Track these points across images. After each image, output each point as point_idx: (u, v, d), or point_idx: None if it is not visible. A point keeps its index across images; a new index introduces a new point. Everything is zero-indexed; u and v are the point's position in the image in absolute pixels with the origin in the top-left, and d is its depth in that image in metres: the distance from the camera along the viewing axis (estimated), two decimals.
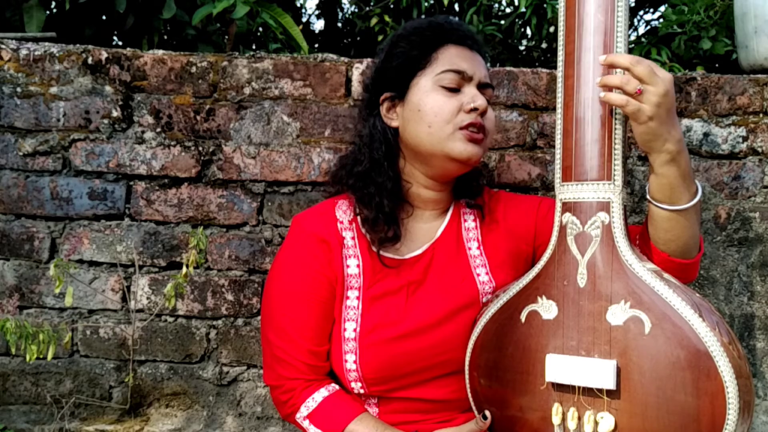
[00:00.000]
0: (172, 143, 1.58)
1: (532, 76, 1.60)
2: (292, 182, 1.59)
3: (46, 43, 1.61)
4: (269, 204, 1.59)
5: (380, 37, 2.84)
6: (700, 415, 0.86)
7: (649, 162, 0.98)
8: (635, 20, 3.36)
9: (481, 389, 1.05)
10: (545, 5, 2.54)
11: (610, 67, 0.95)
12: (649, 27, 3.40)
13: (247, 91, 1.59)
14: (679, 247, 1.02)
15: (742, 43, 1.75)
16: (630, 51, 1.60)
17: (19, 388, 1.57)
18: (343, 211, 1.16)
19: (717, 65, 2.45)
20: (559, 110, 1.02)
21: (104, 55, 1.59)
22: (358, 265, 1.12)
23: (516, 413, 1.01)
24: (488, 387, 1.04)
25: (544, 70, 1.61)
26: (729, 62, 2.33)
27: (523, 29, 2.80)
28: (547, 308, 0.99)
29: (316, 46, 3.60)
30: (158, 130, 1.59)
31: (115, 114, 1.58)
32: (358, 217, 1.14)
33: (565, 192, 1.00)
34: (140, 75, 1.59)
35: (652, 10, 3.33)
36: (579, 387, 0.94)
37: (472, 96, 1.07)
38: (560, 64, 1.02)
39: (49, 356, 1.33)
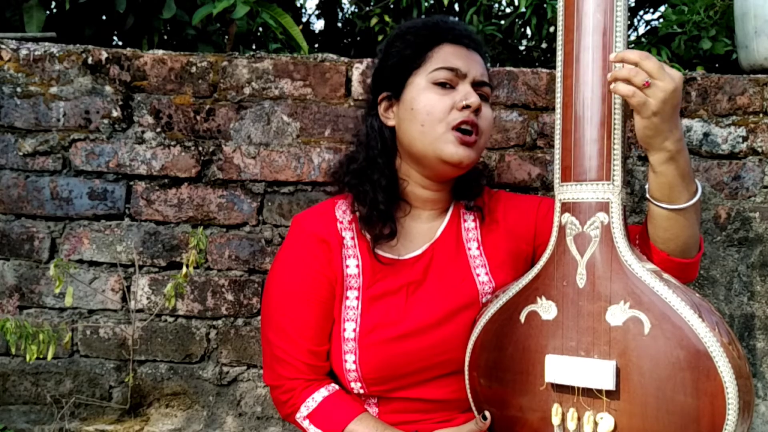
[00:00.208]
0: (172, 143, 1.58)
1: (532, 76, 1.60)
2: (292, 182, 1.59)
3: (46, 43, 1.61)
4: (269, 204, 1.59)
5: (380, 37, 2.84)
6: (699, 416, 0.86)
7: (649, 160, 0.98)
8: (635, 20, 3.35)
9: (481, 389, 1.05)
10: (545, 5, 2.54)
11: (620, 63, 0.95)
12: (649, 27, 3.40)
13: (247, 91, 1.59)
14: (679, 246, 1.02)
15: (742, 43, 1.75)
16: None
17: (19, 388, 1.57)
18: (343, 211, 1.16)
19: (717, 65, 2.44)
20: (558, 110, 1.02)
21: (104, 55, 1.59)
22: (357, 265, 1.12)
23: (516, 413, 1.01)
24: (488, 387, 1.04)
25: (544, 70, 1.61)
26: (729, 62, 2.33)
27: (523, 29, 2.80)
28: (546, 309, 0.99)
29: (316, 46, 3.60)
30: (158, 130, 1.59)
31: (115, 114, 1.58)
32: (356, 215, 1.14)
33: (565, 192, 1.00)
34: (140, 75, 1.59)
35: (652, 10, 3.33)
36: (578, 387, 0.94)
37: (465, 93, 1.07)
38: (559, 63, 1.02)
39: (49, 356, 1.33)
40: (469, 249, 1.15)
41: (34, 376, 1.58)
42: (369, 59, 1.59)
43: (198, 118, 1.59)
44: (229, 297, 1.58)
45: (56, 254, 1.58)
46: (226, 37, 2.33)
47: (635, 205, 1.58)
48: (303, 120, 1.59)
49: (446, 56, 1.09)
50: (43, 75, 1.58)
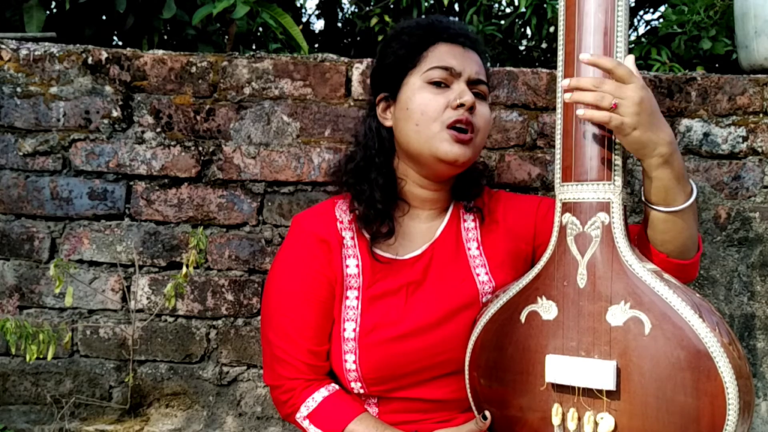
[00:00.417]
0: (172, 143, 1.58)
1: (532, 76, 1.60)
2: (292, 182, 1.59)
3: (46, 43, 1.61)
4: (269, 204, 1.59)
5: (380, 37, 2.84)
6: (700, 416, 0.86)
7: (642, 166, 0.98)
8: (635, 20, 3.36)
9: (481, 389, 1.05)
10: (545, 5, 2.54)
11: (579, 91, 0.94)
12: (649, 27, 3.40)
13: (247, 91, 1.59)
14: (677, 247, 1.02)
15: (742, 44, 1.75)
16: (630, 51, 1.60)
17: (19, 388, 1.57)
18: (343, 211, 1.16)
19: (717, 65, 2.45)
20: (559, 110, 1.02)
21: (104, 55, 1.59)
22: (357, 265, 1.12)
23: (516, 413, 1.01)
24: (488, 387, 1.04)
25: (544, 70, 1.61)
26: (729, 62, 2.33)
27: (523, 29, 2.80)
28: (546, 309, 0.99)
29: (316, 46, 3.60)
30: (158, 130, 1.59)
31: (115, 114, 1.58)
32: (356, 214, 1.14)
33: (565, 192, 1.00)
34: (140, 75, 1.59)
35: (652, 10, 3.33)
36: (579, 388, 0.94)
37: (459, 92, 1.07)
38: (560, 63, 1.01)
39: (49, 356, 1.33)
40: (469, 249, 1.15)
41: (34, 376, 1.57)
42: (369, 59, 1.59)
43: (198, 118, 1.59)
44: (229, 297, 1.58)
45: (56, 254, 1.58)
46: (226, 37, 2.33)
47: (635, 205, 1.58)
48: (303, 120, 1.59)
49: (441, 55, 1.09)
50: (43, 75, 1.58)
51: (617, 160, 0.97)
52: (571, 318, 0.96)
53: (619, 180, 0.97)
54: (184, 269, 1.41)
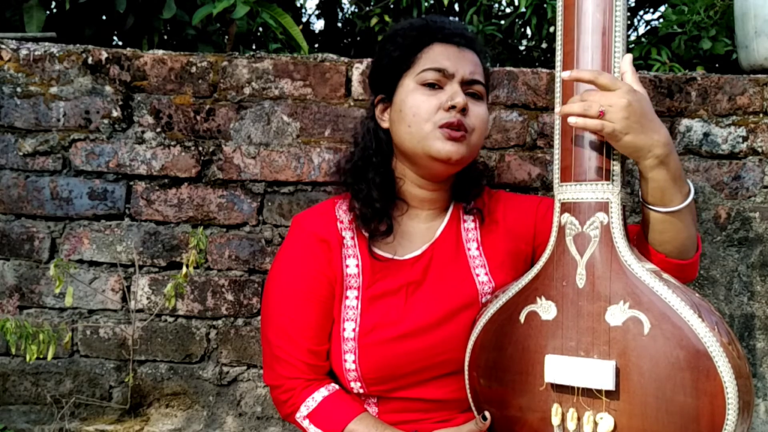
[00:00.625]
0: (172, 143, 1.59)
1: (532, 76, 1.60)
2: (292, 182, 1.59)
3: (46, 43, 1.61)
4: (269, 204, 1.59)
5: (380, 37, 2.84)
6: (699, 416, 0.86)
7: (638, 167, 0.98)
8: (635, 20, 3.36)
9: (481, 389, 1.05)
10: (545, 5, 2.54)
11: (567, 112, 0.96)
12: (649, 27, 3.40)
13: (247, 91, 1.59)
14: (676, 247, 1.02)
15: (742, 44, 1.75)
16: (630, 51, 1.60)
17: (19, 388, 1.58)
18: (343, 211, 1.16)
19: (717, 65, 2.44)
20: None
21: (104, 55, 1.59)
22: (357, 265, 1.12)
23: (515, 414, 1.01)
24: (488, 387, 1.04)
25: (544, 70, 1.61)
26: (729, 62, 2.33)
27: (523, 29, 2.80)
28: (546, 309, 0.99)
29: (316, 46, 3.60)
30: (158, 130, 1.59)
31: (115, 114, 1.58)
32: (354, 214, 1.14)
33: (564, 192, 1.00)
34: (140, 75, 1.59)
35: (652, 10, 3.33)
36: (578, 388, 0.94)
37: (451, 94, 1.06)
38: (559, 63, 1.01)
39: (49, 356, 1.33)
40: (469, 249, 1.15)
41: (34, 376, 1.58)
42: (369, 59, 1.59)
43: (198, 118, 1.59)
44: (229, 297, 1.58)
45: (56, 254, 1.58)
46: (226, 37, 2.33)
47: (635, 205, 1.58)
48: (303, 120, 1.59)
49: (434, 56, 1.09)
50: (43, 75, 1.58)
51: (616, 161, 0.97)
52: (570, 318, 0.96)
53: (617, 180, 0.97)
54: (184, 269, 1.41)
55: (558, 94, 1.02)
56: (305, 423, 1.09)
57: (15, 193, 1.58)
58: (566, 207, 1.00)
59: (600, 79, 0.92)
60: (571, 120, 0.94)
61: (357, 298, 1.10)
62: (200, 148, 1.58)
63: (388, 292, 1.10)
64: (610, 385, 0.90)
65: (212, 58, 1.60)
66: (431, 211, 1.18)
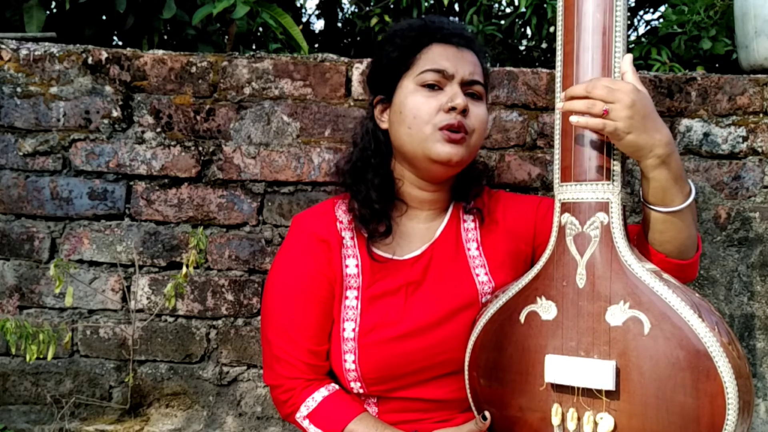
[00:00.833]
0: (172, 143, 1.59)
1: (532, 76, 1.60)
2: (292, 182, 1.59)
3: (46, 43, 1.61)
4: (269, 204, 1.59)
5: (380, 37, 2.84)
6: (699, 416, 0.86)
7: (640, 167, 0.98)
8: (635, 20, 3.36)
9: (481, 389, 1.05)
10: (545, 5, 2.54)
11: (572, 100, 0.96)
12: (649, 27, 3.40)
13: (247, 91, 1.59)
14: (676, 247, 1.02)
15: (742, 44, 1.75)
16: (630, 51, 1.60)
17: (19, 388, 1.58)
18: (343, 211, 1.16)
19: (717, 65, 2.44)
20: (558, 110, 1.02)
21: (104, 55, 1.59)
22: (357, 265, 1.12)
23: (515, 414, 1.01)
24: (488, 387, 1.04)
25: (544, 70, 1.61)
26: (729, 62, 2.33)
27: (523, 29, 2.80)
28: (546, 309, 0.99)
29: (316, 46, 3.60)
30: (158, 130, 1.59)
31: (115, 114, 1.58)
32: (353, 214, 1.14)
33: (564, 192, 1.00)
34: (140, 75, 1.59)
35: (652, 10, 3.33)
36: (578, 388, 0.94)
37: (451, 95, 1.06)
38: (559, 63, 1.01)
39: (49, 356, 1.33)
40: (469, 249, 1.15)
41: (34, 376, 1.58)
42: (369, 59, 1.58)
43: (198, 118, 1.59)
44: (229, 297, 1.58)
45: (56, 254, 1.58)
46: (226, 37, 2.33)
47: (635, 205, 1.58)
48: (303, 120, 1.59)
49: (434, 57, 1.08)
50: (43, 75, 1.58)
51: (616, 161, 0.97)
52: (570, 318, 0.96)
53: (618, 180, 0.97)
54: (184, 269, 1.41)
55: (559, 94, 1.02)
56: (305, 423, 1.09)
57: (15, 193, 1.58)
58: (566, 207, 1.00)
59: (594, 92, 0.92)
60: (573, 119, 0.94)
61: (357, 298, 1.10)
62: (200, 148, 1.58)
63: (388, 292, 1.10)
64: (610, 385, 0.90)
65: (212, 58, 1.60)
66: (431, 212, 1.17)
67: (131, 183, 1.59)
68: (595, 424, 0.93)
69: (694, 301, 0.90)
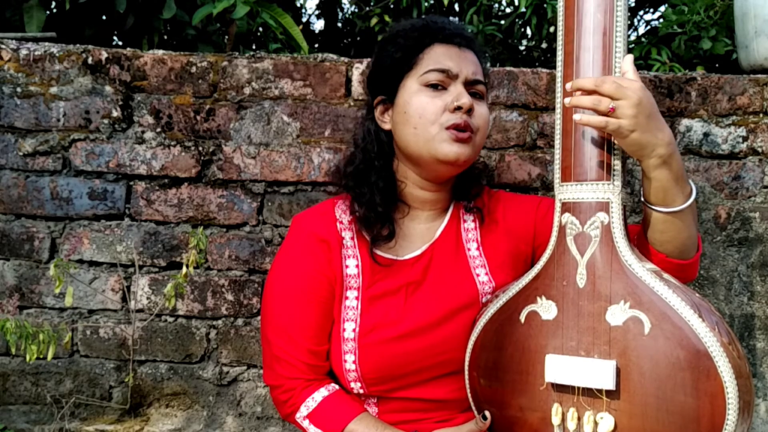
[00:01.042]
0: (172, 143, 1.58)
1: (532, 76, 1.60)
2: (292, 182, 1.59)
3: (46, 43, 1.61)
4: (269, 204, 1.59)
5: (380, 37, 2.84)
6: (699, 416, 0.86)
7: (641, 167, 0.98)
8: (635, 20, 3.36)
9: (481, 389, 1.05)
10: (545, 5, 2.54)
11: (579, 91, 0.96)
12: (649, 27, 3.40)
13: (247, 91, 1.59)
14: (677, 247, 1.02)
15: (742, 44, 1.75)
16: (630, 51, 1.60)
17: (19, 388, 1.57)
18: (343, 211, 1.16)
19: (717, 65, 2.45)
20: (559, 110, 1.02)
21: (104, 55, 1.59)
22: (357, 265, 1.12)
23: (516, 413, 1.01)
24: (488, 387, 1.04)
25: (544, 70, 1.61)
26: (729, 62, 2.33)
27: (523, 29, 2.80)
28: (546, 308, 0.99)
29: (316, 46, 3.60)
30: (158, 130, 1.59)
31: (115, 114, 1.58)
32: (356, 216, 1.14)
33: (565, 192, 1.00)
34: (140, 75, 1.59)
35: (652, 10, 3.33)
36: (578, 387, 0.94)
37: (456, 95, 1.06)
38: (559, 64, 1.01)
39: (49, 356, 1.33)
40: (469, 249, 1.15)
41: (34, 376, 1.58)
42: (369, 59, 1.58)
43: (198, 118, 1.59)
44: (229, 297, 1.58)
45: (56, 254, 1.58)
46: (226, 37, 2.33)
47: (635, 205, 1.58)
48: (303, 120, 1.59)
49: (437, 57, 1.08)
50: (43, 75, 1.58)
51: (616, 160, 0.97)
52: (570, 318, 0.96)
53: (618, 180, 0.97)
54: (184, 269, 1.41)
55: (559, 94, 1.02)
56: (305, 423, 1.09)
57: (15, 193, 1.58)
58: (567, 207, 1.00)
59: (602, 87, 0.92)
60: (576, 117, 0.94)
61: (357, 298, 1.10)
62: (200, 148, 1.58)
63: (388, 292, 1.10)
64: (610, 385, 0.90)
65: (212, 58, 1.60)
66: (432, 212, 1.17)
67: (131, 183, 1.59)
68: (596, 423, 0.93)
69: (694, 301, 0.90)
